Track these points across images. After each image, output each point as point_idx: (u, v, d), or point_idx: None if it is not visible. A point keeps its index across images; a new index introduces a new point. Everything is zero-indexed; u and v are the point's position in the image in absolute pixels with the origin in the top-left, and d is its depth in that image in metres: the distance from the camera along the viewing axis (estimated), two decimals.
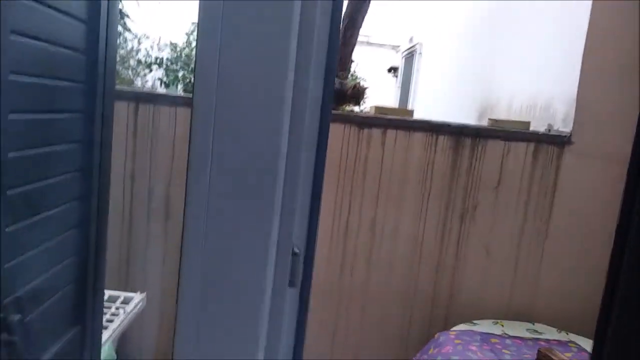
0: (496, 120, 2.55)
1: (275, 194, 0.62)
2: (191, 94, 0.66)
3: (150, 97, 2.26)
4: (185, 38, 7.83)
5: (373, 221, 2.30)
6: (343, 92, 2.27)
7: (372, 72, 8.83)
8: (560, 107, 2.40)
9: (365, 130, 2.26)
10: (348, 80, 7.03)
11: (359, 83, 2.42)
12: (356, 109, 2.84)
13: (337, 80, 2.37)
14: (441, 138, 2.26)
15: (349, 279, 2.30)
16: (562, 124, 2.38)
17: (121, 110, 2.14)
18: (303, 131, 0.64)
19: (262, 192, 0.61)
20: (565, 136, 2.28)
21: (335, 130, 2.24)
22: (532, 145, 2.28)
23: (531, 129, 2.55)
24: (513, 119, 2.71)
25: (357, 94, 2.28)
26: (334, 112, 2.27)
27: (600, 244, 2.32)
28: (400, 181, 2.28)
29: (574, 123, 2.27)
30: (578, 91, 2.26)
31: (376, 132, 2.26)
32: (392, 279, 2.32)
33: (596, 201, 2.29)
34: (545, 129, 2.49)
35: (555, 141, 2.29)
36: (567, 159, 2.29)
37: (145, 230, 2.24)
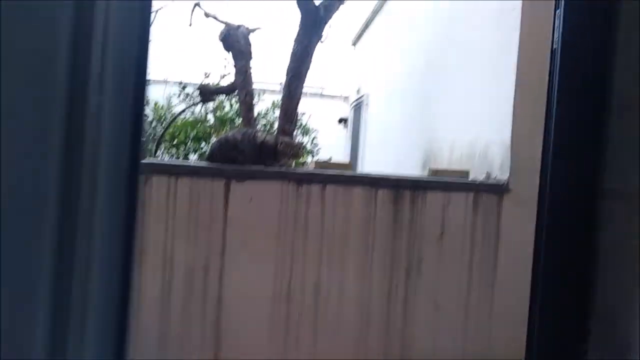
0: (436, 171, 2.54)
1: None
2: None
3: None
4: None
5: (317, 284, 2.18)
6: (272, 148, 2.21)
7: (325, 123, 8.96)
8: (497, 153, 2.42)
9: (304, 187, 2.18)
10: (296, 133, 7.02)
11: (287, 138, 2.36)
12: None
13: (262, 135, 2.31)
14: (381, 192, 2.21)
15: (294, 350, 2.14)
16: (500, 171, 2.39)
17: None
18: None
19: None
20: (503, 184, 2.28)
21: (271, 188, 2.15)
22: (471, 195, 2.27)
23: (471, 177, 2.56)
24: (453, 168, 2.72)
25: (289, 149, 2.22)
26: (268, 169, 2.18)
27: None
28: (342, 239, 2.19)
29: (510, 170, 2.28)
30: (512, 138, 2.29)
31: (315, 189, 2.19)
32: (340, 347, 2.18)
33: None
34: (484, 177, 2.50)
35: (493, 189, 2.29)
36: (506, 206, 2.28)
37: None
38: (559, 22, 1.70)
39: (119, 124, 0.58)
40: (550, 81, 1.74)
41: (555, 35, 1.70)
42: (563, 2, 1.70)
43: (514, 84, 2.31)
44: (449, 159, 3.07)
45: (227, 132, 2.30)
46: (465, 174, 2.50)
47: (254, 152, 2.22)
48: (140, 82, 0.60)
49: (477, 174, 2.60)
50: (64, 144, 0.49)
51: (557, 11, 1.74)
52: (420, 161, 3.65)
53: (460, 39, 3.16)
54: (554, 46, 1.70)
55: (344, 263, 2.20)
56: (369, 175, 2.27)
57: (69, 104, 0.50)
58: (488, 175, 2.48)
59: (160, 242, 2.07)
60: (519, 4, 2.32)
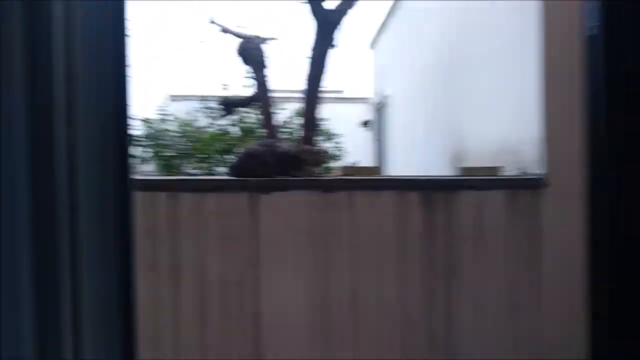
0: (467, 169, 2.46)
1: None
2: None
3: None
4: (158, 113, 7.85)
5: (354, 293, 2.12)
6: (294, 157, 2.17)
7: (348, 127, 8.91)
8: (531, 147, 2.32)
9: (331, 195, 2.13)
10: (319, 139, 7.00)
11: (308, 146, 2.31)
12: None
13: (284, 145, 2.28)
14: (412, 195, 2.15)
15: None
16: (536, 166, 2.29)
17: None
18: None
19: None
20: (541, 179, 2.18)
21: (299, 198, 2.11)
22: (508, 192, 2.17)
23: (505, 173, 2.47)
24: (484, 166, 2.63)
25: (312, 157, 2.18)
26: (293, 178, 2.15)
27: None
28: (376, 245, 2.13)
29: (547, 164, 2.18)
30: (546, 130, 2.19)
31: (343, 195, 2.14)
32: (382, 356, 2.11)
33: (582, 240, 2.17)
34: (520, 173, 2.40)
35: (531, 185, 2.19)
36: (546, 202, 2.18)
37: None
38: (592, 6, 1.61)
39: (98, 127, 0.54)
40: (593, 70, 1.64)
41: (590, 21, 1.61)
42: None
43: (543, 74, 2.21)
44: (479, 157, 2.97)
45: (248, 145, 2.28)
46: (499, 170, 2.41)
47: (277, 163, 2.20)
48: (120, 90, 0.57)
49: (510, 171, 2.51)
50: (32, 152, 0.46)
51: None
52: (449, 160, 3.55)
53: (482, 32, 3.07)
54: (591, 32, 1.61)
55: (379, 270, 2.14)
56: (398, 178, 2.21)
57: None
58: (523, 171, 2.38)
59: (193, 258, 2.06)
60: None
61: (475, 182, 2.19)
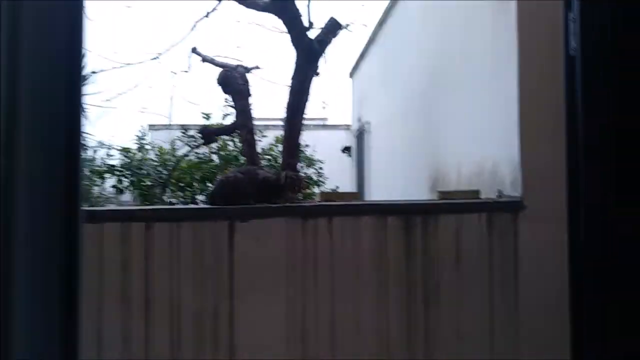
0: (445, 192, 2.46)
1: None
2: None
3: None
4: (137, 142, 7.78)
5: (332, 321, 2.08)
6: (275, 183, 2.15)
7: (329, 153, 8.95)
8: (507, 170, 2.35)
9: (310, 222, 2.11)
10: (302, 165, 7.00)
11: (289, 172, 2.30)
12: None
13: (263, 172, 2.26)
14: (390, 219, 2.14)
15: None
16: (511, 188, 2.31)
17: None
18: None
19: None
20: (517, 201, 2.19)
21: (277, 225, 2.08)
22: (484, 215, 2.18)
23: (482, 196, 2.48)
24: (462, 189, 2.65)
25: (293, 183, 2.16)
26: (272, 205, 2.12)
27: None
28: (354, 272, 2.10)
29: (522, 186, 2.20)
30: (521, 152, 2.22)
31: (322, 222, 2.12)
32: None
33: (561, 266, 2.17)
34: (497, 196, 2.41)
35: (507, 208, 2.20)
36: (523, 224, 2.19)
37: None
38: (574, 27, 1.65)
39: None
40: (570, 89, 1.68)
41: (572, 41, 1.65)
42: (577, 5, 1.65)
43: (517, 96, 2.26)
44: (457, 180, 2.99)
45: (227, 172, 2.25)
46: (476, 193, 2.42)
47: (257, 190, 2.17)
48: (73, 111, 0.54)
49: (487, 193, 2.53)
50: None
51: (571, 15, 1.69)
52: (427, 185, 3.57)
53: (459, 57, 3.14)
54: (571, 52, 1.65)
55: (358, 297, 2.10)
56: (378, 203, 2.20)
57: None
58: (500, 194, 2.40)
59: (166, 290, 2.00)
60: (513, 9, 2.27)
61: (453, 205, 2.19)
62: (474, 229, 2.17)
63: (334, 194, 2.48)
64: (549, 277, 2.15)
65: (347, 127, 12.18)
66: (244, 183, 2.16)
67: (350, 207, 2.18)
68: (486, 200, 2.29)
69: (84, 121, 0.58)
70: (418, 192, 3.73)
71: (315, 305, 2.08)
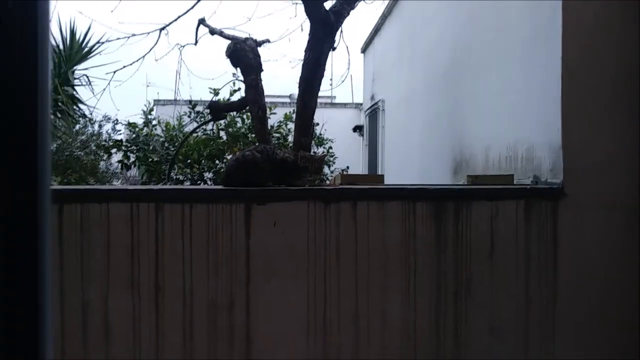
0: (476, 177, 2.29)
1: None
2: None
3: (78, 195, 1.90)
4: (143, 117, 7.60)
5: (355, 313, 1.93)
6: (294, 164, 1.98)
7: (338, 132, 8.76)
8: (545, 155, 2.16)
9: (333, 206, 1.94)
10: (314, 142, 6.81)
11: (304, 153, 2.12)
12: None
13: (281, 151, 2.08)
14: (419, 205, 1.97)
15: None
16: (550, 174, 2.13)
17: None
18: None
19: None
20: (558, 188, 2.02)
21: (296, 209, 1.92)
22: (522, 202, 2.01)
23: (515, 182, 2.31)
24: (493, 174, 2.47)
25: (311, 164, 1.99)
26: (291, 188, 1.96)
27: (616, 301, 2.02)
28: (380, 261, 1.95)
29: (564, 172, 2.02)
30: (563, 136, 2.03)
31: (345, 207, 1.95)
32: None
33: (603, 256, 2.01)
34: (532, 182, 2.24)
35: (547, 195, 2.03)
36: (563, 213, 2.02)
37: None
38: None
39: None
40: None
41: None
42: None
43: (559, 75, 2.06)
44: (484, 164, 2.81)
45: (242, 150, 2.07)
46: (510, 179, 2.25)
47: (275, 170, 2.00)
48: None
49: (520, 179, 2.35)
50: None
51: None
52: (449, 168, 3.39)
53: (489, 29, 2.91)
54: None
55: (383, 288, 1.95)
56: (405, 187, 2.03)
57: None
58: (536, 180, 2.22)
59: (178, 277, 1.85)
60: None
61: (487, 191, 2.01)
62: (509, 217, 2.00)
63: (356, 177, 2.31)
64: (593, 271, 1.99)
65: (357, 106, 11.93)
66: (262, 163, 1.99)
67: (376, 191, 2.01)
68: (523, 186, 2.12)
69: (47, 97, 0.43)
70: (438, 175, 3.55)
71: (338, 296, 1.93)
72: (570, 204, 2.01)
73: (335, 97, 13.92)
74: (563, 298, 2.01)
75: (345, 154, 8.04)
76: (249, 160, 1.98)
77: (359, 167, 8.50)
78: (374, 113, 6.85)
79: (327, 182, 6.39)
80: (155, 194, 1.86)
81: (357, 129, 9.08)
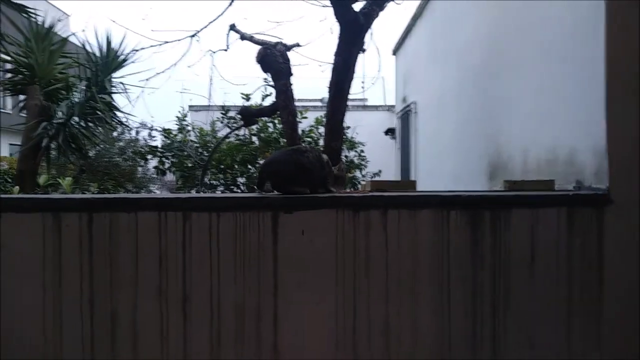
0: (514, 182, 2.18)
1: None
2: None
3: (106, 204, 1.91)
4: (177, 124, 7.74)
5: (386, 325, 1.86)
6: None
7: (370, 135, 8.67)
8: (589, 158, 2.03)
9: (362, 214, 1.88)
10: (345, 146, 6.75)
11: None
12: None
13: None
14: (454, 213, 1.88)
15: None
16: (595, 179, 2.00)
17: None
18: None
19: None
20: (603, 194, 1.89)
21: (324, 218, 1.87)
22: (564, 210, 1.89)
23: (556, 187, 2.18)
24: (531, 179, 2.34)
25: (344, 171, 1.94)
26: (319, 195, 1.91)
27: None
28: (412, 271, 1.87)
29: (609, 177, 1.89)
30: (608, 137, 1.90)
31: (375, 215, 1.89)
32: None
33: None
34: (574, 187, 2.11)
35: (590, 202, 1.90)
36: (609, 221, 1.89)
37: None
38: None
39: None
40: None
41: None
42: None
43: (604, 75, 1.93)
44: (523, 168, 2.68)
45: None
46: (551, 184, 2.13)
47: (321, 175, 1.97)
48: None
49: (562, 184, 2.22)
50: None
51: None
52: (485, 172, 3.26)
53: (525, 25, 2.78)
54: None
55: (415, 299, 1.88)
56: (438, 194, 1.94)
57: None
58: (579, 185, 2.09)
59: (205, 286, 1.83)
60: None
61: (526, 198, 1.91)
62: (551, 225, 1.89)
63: (387, 183, 2.24)
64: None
65: (389, 108, 11.79)
66: (316, 167, 1.95)
67: (407, 199, 1.93)
68: (565, 192, 2.00)
69: None
70: (473, 180, 3.42)
71: (368, 306, 1.87)
72: (617, 211, 1.88)
73: (367, 99, 13.83)
74: (609, 313, 1.88)
75: (377, 158, 7.94)
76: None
77: (391, 170, 8.38)
78: (406, 115, 6.73)
79: (359, 188, 6.30)
80: (182, 203, 1.85)
81: (389, 131, 8.97)
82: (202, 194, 4.31)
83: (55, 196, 2.25)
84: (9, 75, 6.17)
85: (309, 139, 6.78)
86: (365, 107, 12.97)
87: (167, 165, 7.22)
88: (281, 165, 1.95)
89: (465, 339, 1.88)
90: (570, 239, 1.89)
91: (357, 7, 3.83)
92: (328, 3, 3.88)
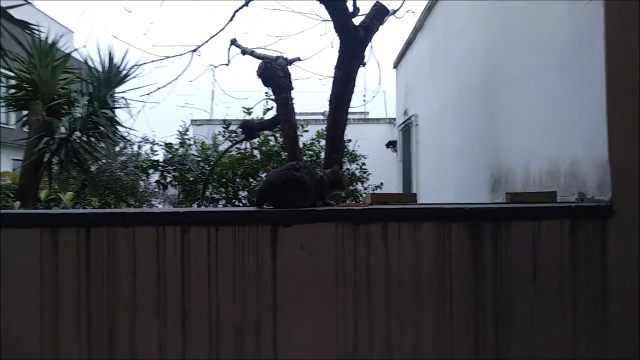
0: (516, 194, 2.16)
1: None
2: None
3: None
4: (179, 138, 7.76)
5: (387, 340, 1.83)
6: (328, 182, 1.93)
7: (371, 148, 8.67)
8: (591, 170, 2.02)
9: (362, 228, 1.86)
10: (346, 159, 6.75)
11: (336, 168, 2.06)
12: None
13: (318, 171, 2.02)
14: (455, 226, 1.86)
15: None
16: (597, 191, 1.98)
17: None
18: None
19: None
20: (606, 206, 1.87)
21: (324, 231, 1.85)
22: (567, 222, 1.87)
23: (558, 199, 2.16)
24: (534, 191, 2.32)
25: (343, 180, 1.93)
26: (318, 209, 1.89)
27: None
28: (413, 286, 1.85)
29: (612, 189, 1.87)
30: (610, 149, 1.89)
31: (375, 228, 1.87)
32: None
33: None
34: (576, 199, 2.09)
35: (594, 213, 1.88)
36: (613, 233, 1.86)
37: None
38: None
39: None
40: None
41: None
42: None
43: (604, 86, 1.92)
44: (524, 181, 2.66)
45: (287, 170, 2.00)
46: (553, 196, 2.10)
47: (317, 189, 1.98)
48: None
49: (564, 197, 2.20)
50: None
51: None
52: (486, 184, 3.24)
53: (525, 36, 2.79)
54: None
55: (417, 315, 1.85)
56: (439, 207, 1.92)
57: None
58: (581, 197, 2.07)
59: (204, 301, 1.81)
60: None
61: (528, 210, 1.89)
62: (553, 238, 1.86)
63: (387, 195, 2.22)
64: None
65: (390, 121, 11.82)
66: (309, 182, 1.95)
67: (408, 212, 1.91)
68: (568, 204, 1.97)
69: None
70: (475, 192, 3.40)
71: (369, 322, 1.84)
72: (620, 222, 1.86)
73: (368, 112, 13.87)
74: (613, 327, 1.85)
75: (379, 170, 7.92)
76: (300, 179, 1.93)
77: (393, 183, 8.36)
78: (407, 128, 6.73)
79: (360, 201, 6.28)
80: (180, 217, 1.83)
81: (391, 144, 8.97)
82: (200, 208, 4.29)
83: (53, 211, 2.24)
84: (12, 90, 6.21)
85: (310, 152, 6.78)
86: (367, 120, 13.00)
87: (168, 180, 7.22)
88: (275, 189, 1.96)
89: (467, 355, 1.84)
90: (573, 252, 1.86)
91: (357, 21, 3.86)
92: (328, 17, 3.91)
